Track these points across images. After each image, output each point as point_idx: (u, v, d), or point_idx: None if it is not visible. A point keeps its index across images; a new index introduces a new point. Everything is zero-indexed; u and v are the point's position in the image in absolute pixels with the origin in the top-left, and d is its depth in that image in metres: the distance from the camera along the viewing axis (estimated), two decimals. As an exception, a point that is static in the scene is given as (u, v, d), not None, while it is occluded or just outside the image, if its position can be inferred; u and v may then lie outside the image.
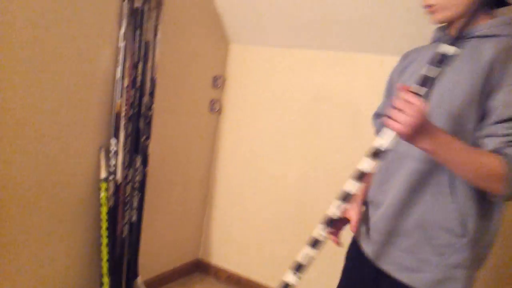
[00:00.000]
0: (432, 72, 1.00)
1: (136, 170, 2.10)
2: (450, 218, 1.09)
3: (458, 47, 1.00)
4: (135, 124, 2.05)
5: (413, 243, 1.13)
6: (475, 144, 1.05)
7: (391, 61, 1.41)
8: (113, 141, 1.99)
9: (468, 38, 1.10)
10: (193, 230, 2.75)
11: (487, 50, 1.05)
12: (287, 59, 2.46)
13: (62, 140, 1.83)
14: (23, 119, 1.66)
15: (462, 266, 1.09)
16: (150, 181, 2.23)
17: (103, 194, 1.98)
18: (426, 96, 1.00)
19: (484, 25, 1.10)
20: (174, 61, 2.28)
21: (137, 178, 2.11)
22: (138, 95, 2.04)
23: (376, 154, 1.07)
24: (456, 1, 1.10)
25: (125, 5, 1.94)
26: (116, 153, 2.00)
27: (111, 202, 2.00)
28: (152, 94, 2.10)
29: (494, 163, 0.97)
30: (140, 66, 2.02)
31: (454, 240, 1.09)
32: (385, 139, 1.04)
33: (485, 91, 1.03)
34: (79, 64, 1.83)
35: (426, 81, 1.00)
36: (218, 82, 2.65)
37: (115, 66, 1.96)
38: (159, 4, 2.07)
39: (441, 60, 1.00)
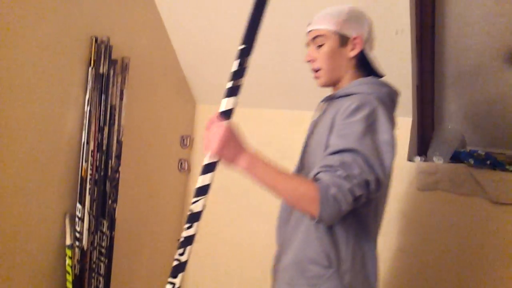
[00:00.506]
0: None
1: (103, 234, 2.06)
2: (317, 251, 1.18)
3: (328, 104, 1.27)
4: (102, 187, 2.03)
5: (290, 277, 1.23)
6: None
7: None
8: (78, 206, 1.95)
9: (336, 98, 1.27)
10: (164, 294, 2.66)
11: (338, 106, 1.20)
12: (253, 118, 2.51)
13: (26, 206, 1.79)
14: None
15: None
16: (118, 245, 2.17)
17: (68, 261, 1.92)
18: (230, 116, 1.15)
19: (347, 85, 1.26)
20: (141, 123, 2.30)
21: (104, 243, 2.06)
22: (104, 158, 2.03)
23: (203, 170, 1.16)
24: (338, 66, 1.27)
25: (91, 71, 1.97)
26: (81, 219, 1.96)
27: (77, 270, 1.94)
28: (118, 156, 2.10)
29: (309, 187, 1.05)
30: (106, 129, 2.03)
31: (323, 272, 1.17)
32: (205, 160, 1.15)
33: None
34: (44, 128, 1.83)
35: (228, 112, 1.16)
36: (186, 141, 2.67)
37: (81, 130, 1.97)
38: (124, 69, 2.12)
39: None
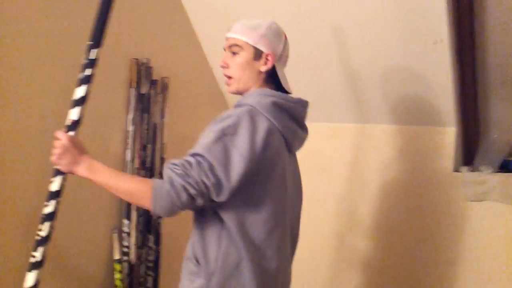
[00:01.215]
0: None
1: (149, 249, 2.13)
2: (190, 249, 1.32)
3: None
4: (146, 203, 2.09)
5: (183, 271, 1.35)
6: None
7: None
8: (125, 222, 2.03)
9: (234, 107, 1.32)
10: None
11: None
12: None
13: (76, 222, 1.87)
14: (35, 203, 1.72)
15: None
16: (164, 259, 2.23)
17: (117, 276, 2.00)
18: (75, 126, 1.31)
19: (242, 97, 1.33)
20: (183, 140, 2.35)
21: (151, 257, 2.13)
22: (148, 175, 2.10)
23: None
24: (248, 78, 1.32)
25: (133, 92, 2.05)
26: (128, 234, 2.04)
27: (126, 284, 2.01)
28: (161, 173, 2.16)
29: (144, 184, 1.18)
30: (149, 147, 2.10)
31: (196, 268, 1.28)
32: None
33: None
34: (91, 148, 1.87)
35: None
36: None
37: (125, 149, 2.04)
38: (164, 89, 2.18)
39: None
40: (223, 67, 1.35)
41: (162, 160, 2.16)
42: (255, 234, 1.24)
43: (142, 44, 2.12)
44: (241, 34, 1.31)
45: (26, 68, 1.63)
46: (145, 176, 2.07)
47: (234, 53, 1.32)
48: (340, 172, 2.36)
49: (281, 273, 1.32)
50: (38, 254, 1.26)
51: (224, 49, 1.37)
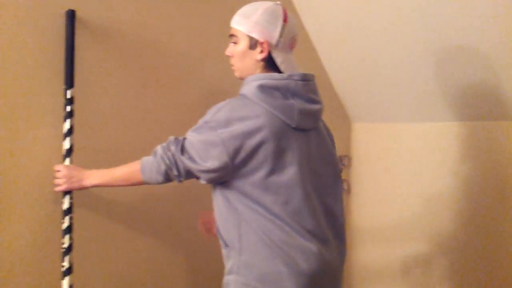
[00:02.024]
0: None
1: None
2: (218, 234, 1.39)
3: None
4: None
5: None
6: None
7: None
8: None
9: None
10: None
11: None
12: (413, 133, 2.28)
13: None
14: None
15: (233, 272, 1.32)
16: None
17: None
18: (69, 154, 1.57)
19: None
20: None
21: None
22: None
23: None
24: (248, 66, 1.36)
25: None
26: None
27: None
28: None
29: (136, 164, 1.41)
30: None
31: (225, 251, 1.36)
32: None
33: None
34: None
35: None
36: (344, 161, 2.60)
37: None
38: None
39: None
40: (228, 56, 1.40)
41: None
42: (278, 213, 1.28)
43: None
44: (237, 23, 1.35)
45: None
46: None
47: (234, 43, 1.37)
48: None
49: (310, 250, 1.29)
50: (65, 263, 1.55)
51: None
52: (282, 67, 1.34)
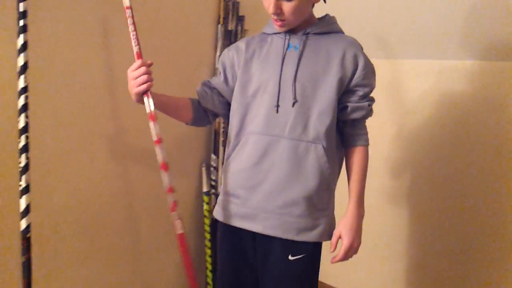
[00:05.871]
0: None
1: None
2: (321, 183, 1.34)
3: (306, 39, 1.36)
4: (233, 140, 2.10)
5: (305, 209, 1.32)
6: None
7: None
8: (213, 157, 2.10)
9: (312, 34, 1.36)
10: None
11: (329, 44, 1.35)
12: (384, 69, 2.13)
13: (169, 158, 2.00)
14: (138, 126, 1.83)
15: (327, 208, 1.39)
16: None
17: (205, 207, 2.10)
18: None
19: (318, 22, 1.38)
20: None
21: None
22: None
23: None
24: (304, 14, 1.32)
25: (220, 28, 2.06)
26: (216, 168, 2.10)
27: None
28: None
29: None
30: (234, 83, 2.08)
31: (324, 194, 1.36)
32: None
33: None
34: (180, 85, 1.96)
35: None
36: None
37: (214, 86, 2.08)
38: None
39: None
40: (276, 13, 1.28)
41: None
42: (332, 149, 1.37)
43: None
44: None
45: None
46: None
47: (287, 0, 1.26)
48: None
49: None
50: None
51: None
52: None
